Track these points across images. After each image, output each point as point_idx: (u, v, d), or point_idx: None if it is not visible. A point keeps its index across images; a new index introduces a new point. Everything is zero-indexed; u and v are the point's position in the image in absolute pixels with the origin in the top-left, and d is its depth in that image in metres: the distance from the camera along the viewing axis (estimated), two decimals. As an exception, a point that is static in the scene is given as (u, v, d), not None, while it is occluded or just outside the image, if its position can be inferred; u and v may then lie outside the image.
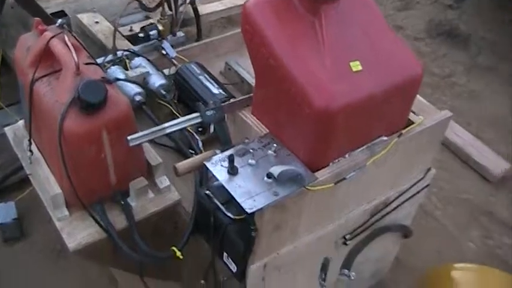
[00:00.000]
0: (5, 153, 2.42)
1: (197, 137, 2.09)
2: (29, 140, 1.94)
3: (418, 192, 2.14)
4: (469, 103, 3.85)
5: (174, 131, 1.82)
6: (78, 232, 1.87)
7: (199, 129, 2.11)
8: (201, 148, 2.06)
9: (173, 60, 2.39)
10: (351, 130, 1.67)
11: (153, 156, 1.99)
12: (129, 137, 1.70)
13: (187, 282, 2.26)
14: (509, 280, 2.13)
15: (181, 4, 2.64)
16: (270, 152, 1.68)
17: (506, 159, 3.41)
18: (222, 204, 1.76)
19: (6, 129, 2.14)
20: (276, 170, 1.58)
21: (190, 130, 2.10)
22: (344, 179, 1.70)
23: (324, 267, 1.80)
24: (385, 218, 2.10)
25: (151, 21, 2.71)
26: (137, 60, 2.29)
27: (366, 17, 1.75)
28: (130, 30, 2.72)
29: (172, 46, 2.44)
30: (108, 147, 1.79)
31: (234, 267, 1.81)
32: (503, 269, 2.32)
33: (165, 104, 2.20)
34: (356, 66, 1.64)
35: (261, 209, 1.53)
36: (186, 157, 1.90)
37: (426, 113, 1.95)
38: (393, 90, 1.70)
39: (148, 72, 2.23)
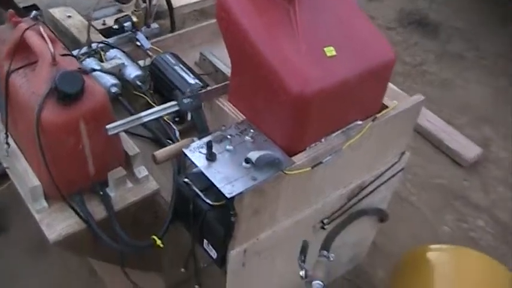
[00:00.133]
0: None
1: (174, 127, 2.10)
2: (6, 133, 1.93)
3: (393, 175, 2.18)
4: (440, 90, 3.91)
5: (152, 120, 1.83)
6: (57, 223, 1.87)
7: (176, 119, 2.12)
8: (178, 137, 2.06)
9: (148, 51, 2.38)
10: (326, 115, 1.70)
11: (131, 146, 2.00)
12: (107, 126, 1.71)
13: (168, 272, 2.28)
14: (482, 259, 2.19)
15: (156, -4, 2.65)
16: (247, 138, 1.70)
17: (477, 144, 3.47)
18: (201, 191, 1.79)
19: (-19, 123, 2.13)
20: (253, 155, 1.60)
21: (167, 120, 2.12)
22: (321, 163, 1.72)
23: (303, 250, 1.83)
24: (361, 202, 2.14)
25: (125, 13, 2.70)
26: (112, 52, 2.29)
27: (340, 4, 1.79)
28: (104, 24, 2.71)
29: (146, 38, 2.44)
30: (86, 138, 1.79)
31: (214, 254, 1.84)
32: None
33: (141, 94, 2.20)
34: (330, 51, 1.67)
35: (240, 193, 1.55)
36: (164, 147, 1.91)
37: (399, 100, 1.98)
38: (367, 75, 1.73)
39: (123, 63, 2.23)
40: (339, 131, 1.79)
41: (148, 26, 2.57)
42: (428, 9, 4.75)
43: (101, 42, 2.33)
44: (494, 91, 4.05)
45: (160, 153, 1.71)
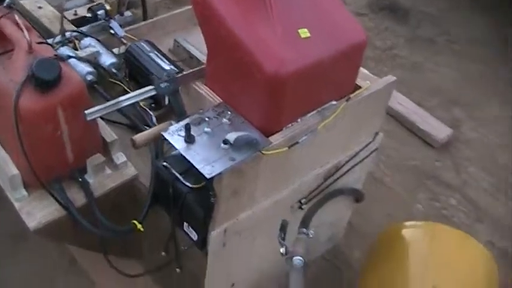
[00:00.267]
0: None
1: (151, 113, 2.11)
2: (-17, 123, 1.94)
3: (367, 155, 2.23)
4: (410, 74, 3.98)
5: (130, 104, 1.85)
6: (37, 211, 1.88)
7: (152, 105, 2.14)
8: (155, 123, 2.07)
9: (122, 39, 2.39)
10: (301, 95, 1.74)
11: (108, 133, 2.01)
12: (86, 111, 1.72)
13: (148, 258, 2.30)
14: (454, 233, 2.26)
15: (128, -16, 2.65)
16: (224, 120, 1.73)
17: (448, 126, 3.54)
18: (180, 174, 1.82)
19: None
20: (231, 136, 1.64)
21: (144, 106, 2.13)
22: (297, 142, 1.76)
23: (283, 228, 1.86)
24: (337, 182, 2.18)
25: (98, 1, 2.70)
26: (86, 41, 2.29)
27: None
28: (75, 14, 2.70)
29: (120, 26, 2.45)
30: (64, 125, 1.80)
31: (194, 236, 1.86)
32: (449, 228, 2.44)
33: (117, 82, 2.21)
34: (304, 33, 1.71)
35: (220, 173, 1.58)
36: (142, 133, 1.93)
37: (371, 83, 2.02)
38: (340, 56, 1.77)
39: (98, 51, 2.24)
40: (314, 111, 1.83)
41: (122, 14, 2.57)
42: (398, -5, 4.82)
43: (75, 31, 2.33)
44: (463, 74, 4.13)
45: (139, 137, 1.73)
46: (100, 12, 2.45)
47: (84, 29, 2.40)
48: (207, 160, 1.60)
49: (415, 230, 2.26)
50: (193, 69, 1.94)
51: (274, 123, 1.74)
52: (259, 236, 2.02)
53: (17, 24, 1.80)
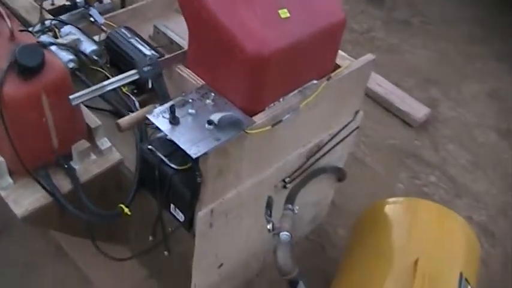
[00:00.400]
0: None
1: (133, 98, 2.13)
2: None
3: (349, 134, 2.27)
4: (388, 55, 4.02)
5: (115, 88, 1.86)
6: (24, 199, 1.90)
7: (135, 90, 2.16)
8: (138, 108, 2.09)
9: (102, 26, 2.40)
10: (283, 74, 1.76)
11: (92, 119, 2.03)
12: (71, 96, 1.73)
13: (135, 243, 2.32)
14: (435, 207, 2.31)
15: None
16: (208, 101, 1.76)
17: (426, 105, 3.60)
18: (165, 156, 1.84)
19: None
20: (216, 116, 1.66)
21: (126, 92, 2.14)
22: (280, 121, 1.79)
23: (269, 205, 1.90)
24: (319, 161, 2.22)
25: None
26: (66, 29, 2.29)
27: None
28: (52, 4, 2.70)
29: (100, 13, 2.45)
30: (48, 111, 1.81)
31: (181, 217, 1.89)
32: (430, 204, 2.49)
33: (98, 68, 2.22)
34: (284, 13, 1.73)
35: (205, 153, 1.61)
36: (125, 118, 1.94)
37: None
38: (319, 35, 1.80)
39: (79, 39, 2.24)
40: (296, 91, 1.86)
41: (101, 2, 2.57)
42: (373, -22, 4.86)
43: (54, 19, 2.33)
44: (439, 55, 4.19)
45: (124, 120, 1.75)
46: (79, 0, 2.45)
47: (63, 17, 2.40)
48: (192, 141, 1.62)
49: (398, 206, 2.31)
50: (176, 53, 1.95)
51: (257, 103, 1.77)
52: (246, 216, 2.05)
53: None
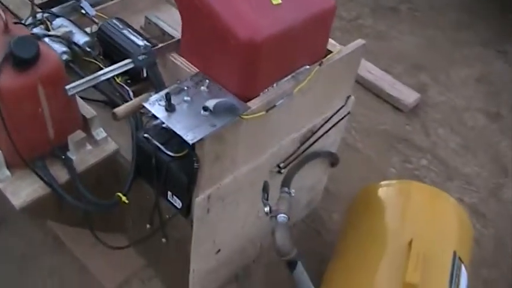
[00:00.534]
0: None
1: (128, 88, 2.15)
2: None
3: (341, 119, 2.29)
4: (376, 42, 4.05)
5: (110, 78, 1.88)
6: (21, 190, 1.92)
7: (128, 81, 2.17)
8: (133, 98, 2.10)
9: (94, 18, 2.41)
10: (276, 60, 1.79)
11: (88, 110, 2.05)
12: (67, 86, 1.75)
13: (132, 232, 2.34)
14: (428, 189, 2.36)
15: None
16: (203, 88, 1.78)
17: (415, 90, 3.63)
18: (162, 144, 1.86)
19: None
20: (211, 102, 1.68)
21: (120, 82, 2.16)
22: (274, 106, 1.82)
23: (265, 188, 1.93)
24: (313, 147, 2.25)
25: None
26: (58, 21, 2.31)
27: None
28: (41, -1, 2.71)
29: (90, 5, 2.47)
30: (44, 102, 1.84)
31: (179, 204, 1.92)
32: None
33: (91, 60, 2.23)
34: (276, 0, 1.76)
35: (202, 139, 1.63)
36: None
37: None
38: (311, 21, 1.83)
39: (71, 31, 2.26)
40: (289, 76, 1.89)
41: (92, -6, 2.58)
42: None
43: (46, 12, 2.35)
44: (427, 41, 4.23)
45: (120, 109, 1.77)
46: (71, -8, 2.46)
47: (54, 9, 2.42)
48: (188, 127, 1.65)
49: (391, 188, 2.34)
50: (170, 41, 1.97)
51: (251, 89, 1.80)
52: (242, 202, 2.08)
53: (-9, 5, 1.82)
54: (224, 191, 1.94)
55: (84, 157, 2.03)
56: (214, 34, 1.73)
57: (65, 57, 2.15)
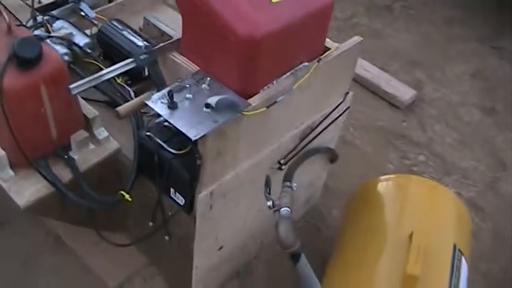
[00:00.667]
0: None
1: (128, 88, 2.17)
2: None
3: (339, 115, 2.32)
4: (372, 40, 4.08)
5: (112, 77, 1.91)
6: (25, 189, 1.94)
7: (128, 81, 2.20)
8: (134, 97, 2.13)
9: (93, 20, 2.44)
10: (275, 57, 1.82)
11: (90, 110, 2.07)
12: (70, 86, 1.77)
13: (134, 230, 2.37)
14: (427, 182, 2.40)
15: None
16: (204, 86, 1.81)
17: (411, 87, 3.67)
18: (164, 142, 1.88)
19: None
20: (213, 99, 1.71)
21: (121, 83, 2.18)
22: (275, 102, 1.84)
23: (267, 183, 1.96)
24: (312, 143, 2.27)
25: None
26: (58, 23, 2.33)
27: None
28: (39, 2, 2.72)
29: (90, 8, 2.49)
30: (47, 102, 1.86)
31: (181, 201, 1.94)
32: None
33: (92, 61, 2.25)
34: (275, -2, 1.79)
35: (205, 135, 1.66)
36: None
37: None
38: (309, 18, 1.86)
39: (71, 33, 2.28)
40: (288, 73, 1.92)
41: (91, -4, 2.61)
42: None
43: (46, 15, 2.37)
44: (421, 38, 4.27)
45: (123, 107, 1.80)
46: (70, -5, 2.49)
47: (54, 12, 2.44)
48: (191, 124, 1.67)
49: (389, 183, 2.36)
50: (170, 40, 1.99)
51: (251, 86, 1.82)
52: (243, 198, 2.11)
53: (-6, 6, 1.85)
54: (226, 187, 1.96)
55: (86, 156, 2.05)
56: (214, 32, 1.76)
57: (65, 58, 2.17)
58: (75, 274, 2.49)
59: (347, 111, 2.38)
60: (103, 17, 2.45)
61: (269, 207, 1.91)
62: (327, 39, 2.08)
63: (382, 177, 2.38)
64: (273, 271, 2.58)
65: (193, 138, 1.64)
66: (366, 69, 3.70)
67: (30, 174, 1.97)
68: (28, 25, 2.30)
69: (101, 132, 2.09)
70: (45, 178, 1.95)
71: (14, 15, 2.37)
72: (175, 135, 1.87)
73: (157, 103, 1.73)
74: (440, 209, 2.23)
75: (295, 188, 2.01)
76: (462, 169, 3.21)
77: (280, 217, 1.85)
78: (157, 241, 2.19)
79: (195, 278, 2.20)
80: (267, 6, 1.76)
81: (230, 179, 1.95)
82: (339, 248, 2.27)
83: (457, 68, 3.98)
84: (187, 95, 1.75)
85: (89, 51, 2.27)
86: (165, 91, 1.74)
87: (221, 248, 2.22)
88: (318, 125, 2.24)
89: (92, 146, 2.07)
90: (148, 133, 1.92)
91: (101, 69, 2.22)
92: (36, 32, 2.22)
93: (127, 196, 1.99)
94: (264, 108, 1.82)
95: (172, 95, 1.71)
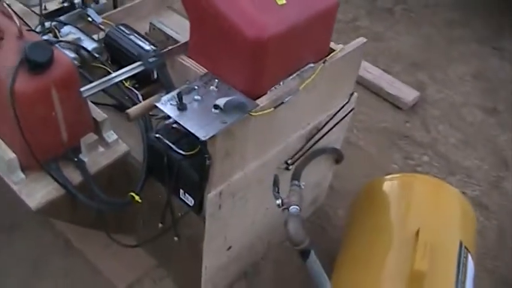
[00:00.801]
0: None
1: (136, 92, 2.20)
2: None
3: (345, 116, 2.35)
4: (374, 43, 4.11)
5: (121, 80, 1.94)
6: (36, 192, 1.97)
7: (136, 85, 2.23)
8: (142, 101, 2.16)
9: (100, 25, 2.47)
10: (282, 58, 1.85)
11: (99, 113, 2.10)
12: (81, 89, 1.80)
13: (142, 232, 2.39)
14: (431, 181, 2.43)
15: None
16: (212, 87, 1.84)
17: (414, 88, 3.70)
18: (173, 143, 1.91)
19: None
20: (221, 101, 1.74)
21: (129, 86, 2.21)
22: (282, 103, 1.88)
23: (276, 182, 1.99)
24: (318, 143, 2.30)
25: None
26: (66, 29, 2.36)
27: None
28: (45, 9, 2.75)
29: (96, 13, 2.52)
30: (58, 105, 1.88)
31: (191, 201, 1.97)
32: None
33: (100, 65, 2.28)
34: (280, 0, 1.82)
35: (214, 135, 1.69)
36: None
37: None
38: (314, 19, 1.89)
39: (79, 38, 2.31)
40: (294, 74, 1.95)
41: (97, 2, 2.63)
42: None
43: (54, 20, 2.40)
44: (422, 40, 4.30)
45: (133, 109, 1.83)
46: (77, 1, 2.52)
47: (62, 18, 2.47)
48: (200, 125, 1.70)
49: (394, 182, 2.39)
50: (178, 44, 2.03)
51: (259, 87, 1.86)
52: (251, 198, 2.14)
53: (4, 13, 1.87)
54: (234, 187, 1.99)
55: (96, 159, 2.08)
56: (221, 34, 1.79)
57: (74, 62, 2.20)
58: (84, 276, 2.52)
59: (352, 111, 2.41)
60: (110, 23, 2.48)
61: (278, 205, 1.94)
62: (331, 42, 2.11)
63: (387, 176, 2.41)
64: (280, 272, 2.61)
65: (203, 139, 1.67)
66: (369, 71, 3.73)
67: (41, 176, 1.99)
68: (37, 31, 2.33)
69: (110, 135, 2.11)
70: (56, 180, 1.98)
71: (24, 20, 2.41)
72: (183, 137, 1.91)
73: (166, 105, 1.76)
74: (446, 206, 2.26)
75: (303, 187, 2.03)
76: (466, 169, 3.23)
77: (289, 215, 1.88)
78: (166, 242, 2.22)
79: (205, 278, 2.23)
80: (273, 8, 1.79)
81: (238, 179, 1.98)
82: (346, 246, 2.29)
83: (458, 69, 4.01)
84: (196, 97, 1.79)
85: (97, 55, 2.30)
86: (174, 93, 1.77)
87: (230, 248, 2.25)
88: (323, 126, 2.27)
89: (101, 149, 2.10)
90: (157, 135, 1.95)
91: (109, 73, 2.25)
92: (45, 37, 2.25)
93: (137, 198, 2.02)
94: (272, 109, 1.85)
95: (182, 97, 1.74)
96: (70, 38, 2.31)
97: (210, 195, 1.90)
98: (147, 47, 2.27)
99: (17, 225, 2.64)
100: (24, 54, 1.76)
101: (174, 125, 1.91)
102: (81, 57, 2.27)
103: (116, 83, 1.93)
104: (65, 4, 2.52)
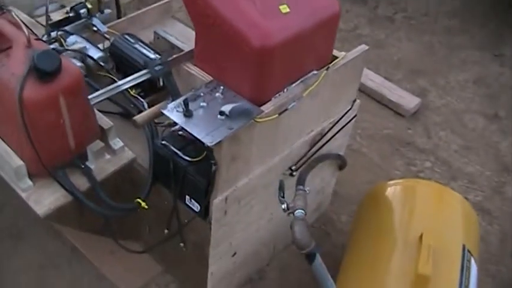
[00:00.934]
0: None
1: (142, 100, 2.23)
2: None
3: (348, 122, 2.38)
4: (375, 51, 4.14)
5: (128, 87, 1.97)
6: (44, 199, 1.99)
7: (141, 93, 2.25)
8: (147, 109, 2.19)
9: (105, 34, 2.50)
10: (286, 65, 1.88)
11: (105, 121, 2.12)
12: (89, 96, 1.83)
13: (148, 238, 2.42)
14: (434, 186, 2.45)
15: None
16: (217, 94, 1.87)
17: (416, 95, 3.73)
18: (179, 150, 1.94)
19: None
20: (227, 107, 1.77)
21: (134, 94, 2.24)
22: (286, 109, 1.90)
23: (281, 187, 2.02)
24: (322, 150, 2.33)
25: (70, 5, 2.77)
26: (72, 38, 2.40)
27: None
28: (50, 19, 2.79)
29: (102, 23, 2.56)
30: (66, 113, 1.91)
31: (197, 207, 2.00)
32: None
33: (106, 74, 2.31)
34: (284, 8, 1.85)
35: (220, 141, 1.71)
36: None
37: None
38: (318, 27, 1.92)
39: (85, 47, 2.35)
40: (298, 81, 1.98)
41: (102, 12, 2.67)
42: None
43: (60, 30, 2.44)
44: (423, 46, 4.33)
45: (140, 116, 1.86)
46: (82, 11, 2.55)
47: (68, 28, 2.50)
48: (206, 131, 1.73)
49: (398, 187, 2.41)
50: (184, 51, 2.06)
51: (263, 94, 1.89)
52: (256, 204, 2.16)
53: (12, 22, 1.90)
54: (240, 192, 2.02)
55: (103, 166, 2.10)
56: (227, 42, 1.82)
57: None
58: (91, 282, 2.54)
59: (355, 118, 2.43)
60: (116, 32, 2.52)
61: (284, 210, 1.96)
62: (334, 50, 2.14)
63: (390, 182, 2.44)
64: (285, 278, 2.63)
65: (209, 145, 1.70)
66: (371, 78, 3.76)
67: (48, 183, 2.02)
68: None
69: (116, 143, 2.14)
70: (64, 187, 2.00)
71: (31, 30, 2.45)
72: (189, 144, 1.94)
73: (173, 112, 1.79)
74: (449, 211, 2.28)
75: (308, 191, 2.06)
76: (468, 174, 3.26)
77: (295, 218, 1.91)
78: (172, 248, 2.25)
79: (210, 284, 2.25)
80: (277, 17, 1.82)
81: (244, 185, 2.01)
82: (351, 250, 2.32)
83: (459, 76, 4.04)
84: (202, 104, 1.81)
85: (102, 64, 2.33)
86: (180, 100, 1.80)
87: (235, 254, 2.27)
88: (327, 132, 2.30)
89: (107, 156, 2.12)
90: (163, 142, 1.98)
91: (114, 81, 2.29)
92: (52, 47, 2.28)
93: (143, 204, 2.04)
94: (276, 115, 1.88)
95: (188, 104, 1.77)
96: (76, 47, 2.34)
97: (216, 201, 1.93)
98: (152, 55, 2.30)
99: (23, 233, 2.67)
100: (32, 63, 1.79)
101: (180, 132, 1.95)
102: (87, 66, 2.31)
103: (123, 91, 1.96)
104: (71, 14, 2.55)
